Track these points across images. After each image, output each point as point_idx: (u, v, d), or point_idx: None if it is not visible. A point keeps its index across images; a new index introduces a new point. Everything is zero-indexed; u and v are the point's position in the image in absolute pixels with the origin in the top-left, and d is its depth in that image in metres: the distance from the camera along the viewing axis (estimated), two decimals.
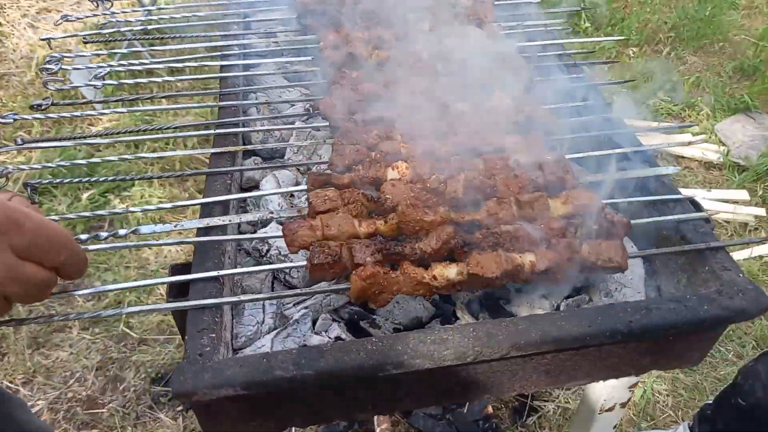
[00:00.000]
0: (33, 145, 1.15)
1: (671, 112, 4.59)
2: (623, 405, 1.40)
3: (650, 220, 1.20)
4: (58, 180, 1.20)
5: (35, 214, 0.77)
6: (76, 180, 1.22)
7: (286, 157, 1.41)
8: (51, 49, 1.57)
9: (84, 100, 1.41)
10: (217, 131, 1.26)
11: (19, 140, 1.15)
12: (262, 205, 1.28)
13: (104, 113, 1.28)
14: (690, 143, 4.31)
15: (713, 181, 4.13)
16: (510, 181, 1.08)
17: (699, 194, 3.96)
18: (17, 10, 5.33)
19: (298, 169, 1.37)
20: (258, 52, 1.57)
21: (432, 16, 1.49)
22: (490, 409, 2.39)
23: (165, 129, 1.22)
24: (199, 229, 1.12)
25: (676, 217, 1.19)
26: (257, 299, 1.08)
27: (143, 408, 2.70)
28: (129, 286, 1.05)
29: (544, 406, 2.66)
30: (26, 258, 0.75)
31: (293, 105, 1.48)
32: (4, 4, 5.37)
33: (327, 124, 1.26)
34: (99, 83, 1.27)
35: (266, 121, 1.41)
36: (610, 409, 1.40)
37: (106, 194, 3.76)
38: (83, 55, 1.42)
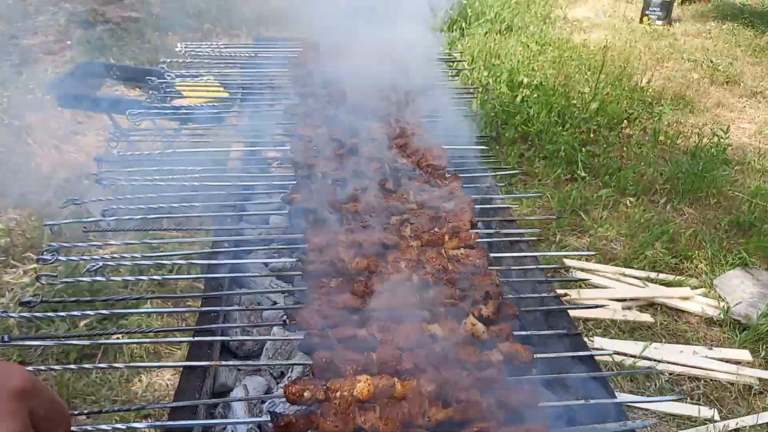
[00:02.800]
0: (18, 343, 1.18)
1: (669, 264, 4.63)
2: None
3: None
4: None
5: (44, 384, 0.81)
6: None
7: (261, 358, 1.44)
8: (52, 233, 1.66)
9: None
10: (196, 338, 1.30)
11: (5, 337, 1.19)
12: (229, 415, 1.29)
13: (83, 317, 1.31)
14: (688, 298, 4.28)
15: (714, 338, 4.07)
16: None
17: (701, 352, 3.91)
18: (46, 132, 5.66)
19: (271, 374, 1.39)
20: (249, 240, 1.65)
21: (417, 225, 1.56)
22: None
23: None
24: None
25: None
26: None
27: None
28: None
29: None
30: (36, 425, 0.77)
31: (275, 303, 1.54)
32: (35, 126, 5.71)
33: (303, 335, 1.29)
34: (96, 277, 1.34)
35: (246, 320, 1.46)
36: None
37: (105, 321, 3.76)
38: (80, 245, 1.50)
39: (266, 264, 1.64)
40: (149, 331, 1.33)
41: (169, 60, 2.76)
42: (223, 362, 1.19)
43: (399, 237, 1.55)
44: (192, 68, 2.70)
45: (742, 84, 7.95)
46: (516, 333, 1.34)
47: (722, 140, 5.58)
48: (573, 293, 4.17)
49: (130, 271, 3.77)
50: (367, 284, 1.37)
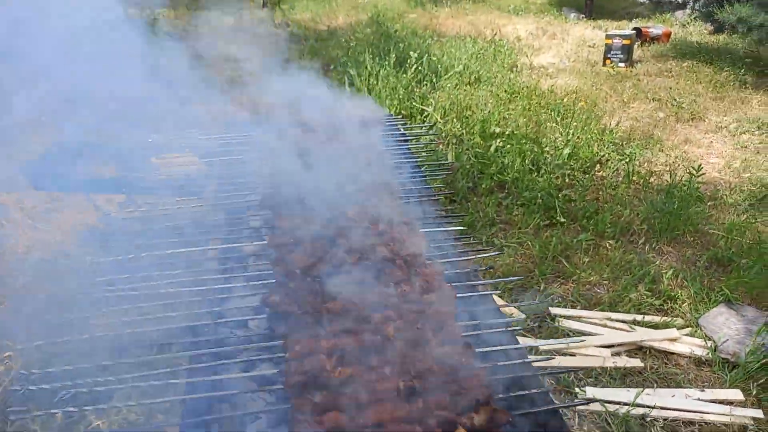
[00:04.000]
0: None
1: (653, 305, 4.65)
2: None
3: None
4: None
5: None
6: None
7: None
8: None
9: None
10: None
11: None
12: None
13: None
14: (675, 339, 4.31)
15: (705, 379, 4.06)
16: None
17: (693, 395, 3.88)
18: (20, 211, 5.58)
19: None
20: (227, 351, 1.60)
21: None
22: None
23: None
24: None
25: None
26: None
27: None
28: None
29: None
30: None
31: (259, 418, 1.49)
32: (10, 205, 5.63)
33: None
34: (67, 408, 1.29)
35: None
36: None
37: (84, 407, 3.60)
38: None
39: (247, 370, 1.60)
40: None
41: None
42: None
43: (382, 338, 1.53)
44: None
45: (706, 120, 8.21)
46: None
47: (694, 177, 5.71)
48: (561, 343, 4.15)
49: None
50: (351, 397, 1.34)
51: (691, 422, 3.67)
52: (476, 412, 1.32)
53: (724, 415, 3.71)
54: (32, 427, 3.26)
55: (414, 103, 7.63)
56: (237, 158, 2.83)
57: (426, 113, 7.32)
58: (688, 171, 5.84)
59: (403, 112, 7.48)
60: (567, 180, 6.14)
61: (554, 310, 4.51)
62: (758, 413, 3.70)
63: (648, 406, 3.69)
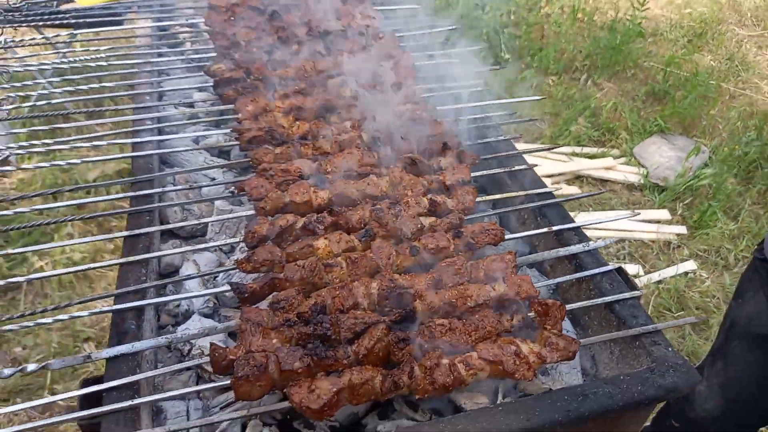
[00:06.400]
0: None
1: (592, 137, 4.77)
2: None
3: (584, 304, 1.19)
4: None
5: None
6: None
7: (207, 237, 1.34)
8: None
9: None
10: (132, 209, 1.17)
11: None
12: (182, 292, 1.20)
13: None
14: (611, 167, 4.46)
15: (636, 202, 4.31)
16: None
17: (624, 215, 4.14)
18: None
19: (221, 249, 1.29)
20: (174, 122, 1.48)
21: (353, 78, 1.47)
22: None
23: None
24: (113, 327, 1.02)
25: (609, 298, 1.17)
26: (173, 397, 0.99)
27: None
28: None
29: None
30: None
31: (214, 180, 1.41)
32: None
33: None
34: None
35: (185, 199, 1.34)
36: None
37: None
38: None
39: (197, 141, 1.50)
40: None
41: None
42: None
43: (338, 98, 1.45)
44: None
45: None
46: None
47: (638, 11, 5.64)
48: None
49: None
50: (314, 146, 1.27)
51: (621, 240, 3.93)
52: (443, 155, 1.29)
53: (651, 232, 3.99)
54: None
55: None
56: None
57: None
58: (632, 5, 5.75)
59: None
60: (512, 17, 5.95)
61: None
62: (682, 229, 4.00)
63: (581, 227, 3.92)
